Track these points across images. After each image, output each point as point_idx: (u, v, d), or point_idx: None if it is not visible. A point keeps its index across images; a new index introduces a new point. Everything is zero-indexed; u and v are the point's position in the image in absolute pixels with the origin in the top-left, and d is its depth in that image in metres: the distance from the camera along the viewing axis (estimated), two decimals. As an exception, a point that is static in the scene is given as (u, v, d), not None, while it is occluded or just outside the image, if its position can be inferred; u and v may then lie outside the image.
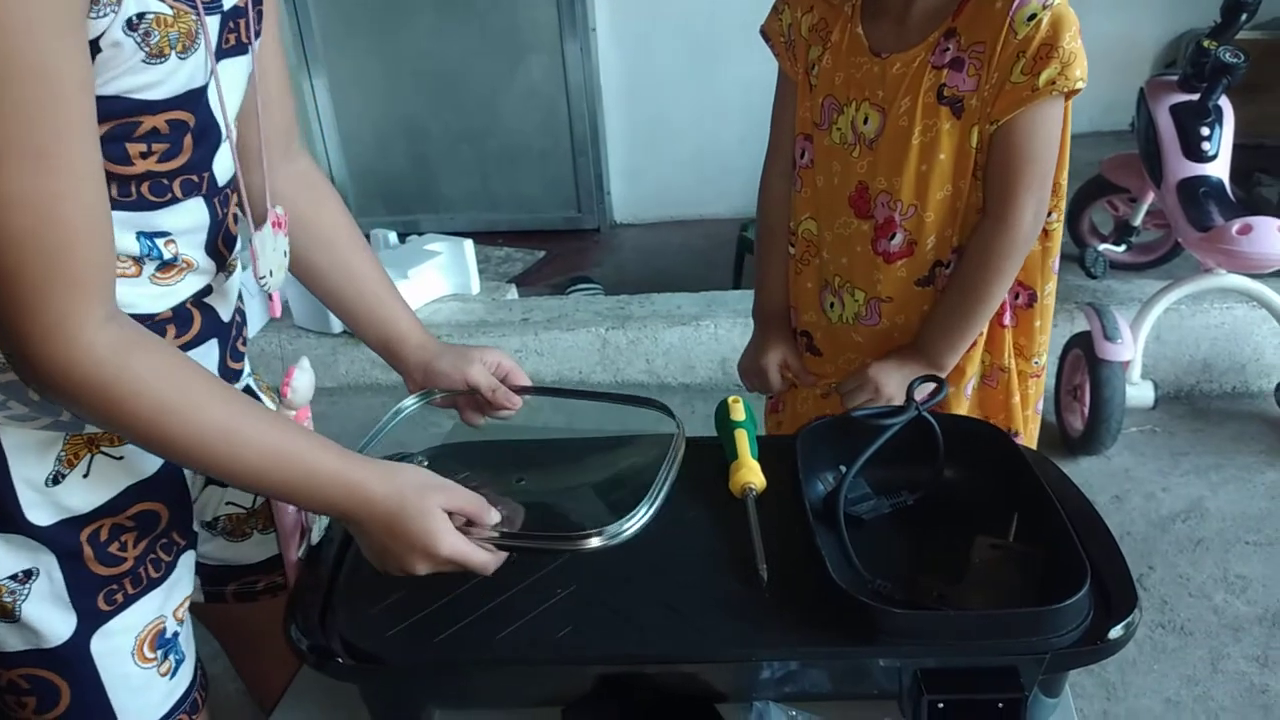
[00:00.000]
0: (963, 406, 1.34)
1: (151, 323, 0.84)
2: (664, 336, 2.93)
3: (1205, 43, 2.48)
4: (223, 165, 0.87)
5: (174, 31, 0.74)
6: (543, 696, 0.84)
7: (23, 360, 0.69)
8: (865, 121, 1.23)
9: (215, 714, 1.04)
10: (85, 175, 0.68)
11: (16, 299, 0.67)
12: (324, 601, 0.88)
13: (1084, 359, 2.44)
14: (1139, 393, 2.46)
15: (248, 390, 1.05)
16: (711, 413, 1.12)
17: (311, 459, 0.79)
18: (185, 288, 0.87)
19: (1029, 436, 1.39)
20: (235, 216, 0.92)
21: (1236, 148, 2.55)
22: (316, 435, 0.83)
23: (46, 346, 0.68)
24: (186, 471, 0.95)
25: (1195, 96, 2.53)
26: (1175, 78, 2.59)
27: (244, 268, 0.97)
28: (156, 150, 0.78)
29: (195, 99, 0.79)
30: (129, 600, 0.90)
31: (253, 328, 3.01)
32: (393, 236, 3.39)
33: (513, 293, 3.36)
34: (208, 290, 0.90)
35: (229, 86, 0.84)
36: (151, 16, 0.71)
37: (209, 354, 0.92)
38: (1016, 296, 1.31)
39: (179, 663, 0.96)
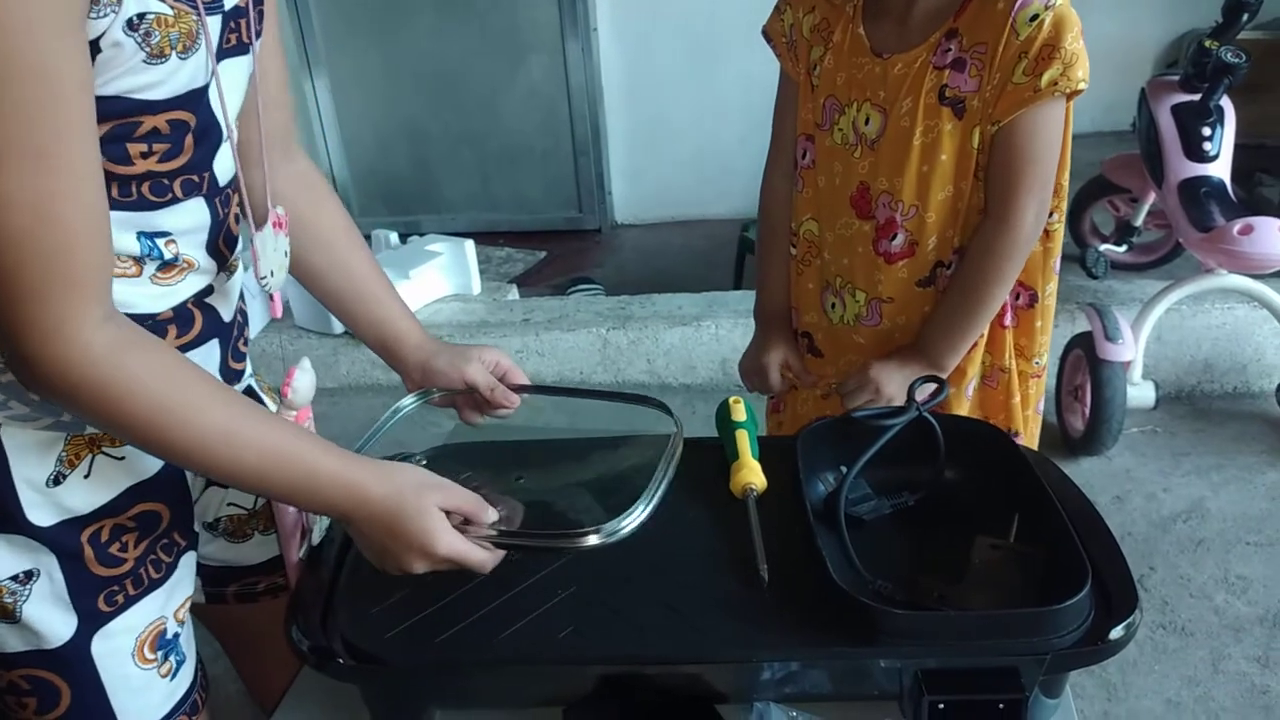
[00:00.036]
0: (963, 407, 1.34)
1: (152, 323, 0.84)
2: (665, 337, 2.93)
3: (1207, 43, 2.47)
4: (223, 165, 0.87)
5: (174, 32, 0.74)
6: (544, 697, 0.84)
7: (20, 360, 0.69)
8: (867, 122, 1.23)
9: (216, 715, 1.04)
10: (84, 176, 0.68)
11: (14, 299, 0.67)
12: (325, 602, 0.88)
13: (1085, 359, 2.43)
14: (1140, 393, 2.46)
15: (249, 391, 1.05)
16: (712, 413, 1.12)
17: (309, 459, 0.79)
18: (186, 288, 0.87)
19: (1029, 437, 1.39)
20: (237, 217, 0.92)
21: (1238, 148, 2.55)
22: (314, 435, 0.83)
23: (44, 347, 0.68)
24: (188, 472, 0.95)
25: (1197, 97, 2.52)
26: (1177, 78, 2.59)
27: (245, 268, 0.97)
28: (157, 150, 0.78)
29: (196, 99, 0.79)
30: (130, 601, 0.90)
31: (254, 328, 3.01)
32: (394, 237, 3.39)
33: (514, 293, 3.36)
34: (209, 290, 0.90)
35: (230, 86, 0.84)
36: (152, 17, 0.71)
37: (210, 354, 0.92)
38: (1017, 297, 1.31)
39: (180, 664, 0.96)
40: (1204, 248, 2.39)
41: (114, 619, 0.89)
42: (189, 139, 0.80)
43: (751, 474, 1.00)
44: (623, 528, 0.82)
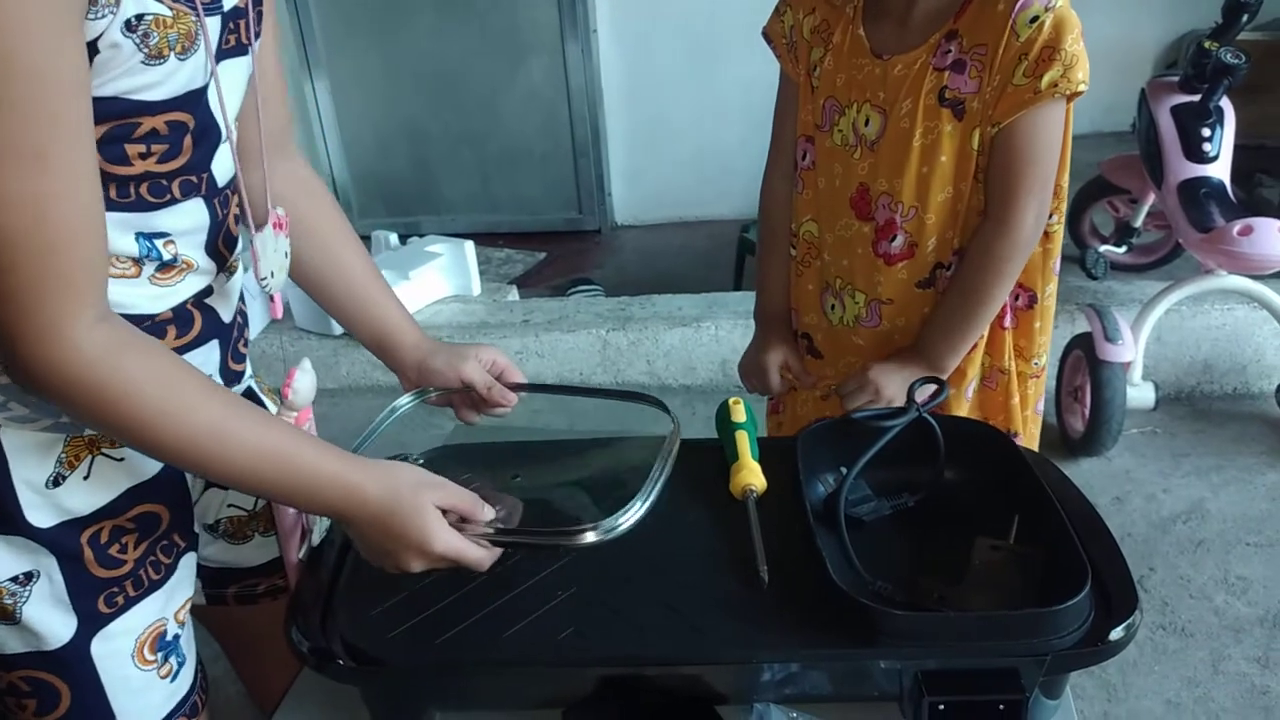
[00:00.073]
0: (963, 409, 1.34)
1: (152, 323, 0.84)
2: (665, 338, 2.93)
3: (1206, 44, 2.47)
4: (222, 166, 0.87)
5: (173, 33, 0.74)
6: (544, 698, 0.84)
7: (14, 360, 0.69)
8: (866, 123, 1.23)
9: (216, 716, 1.04)
10: (80, 176, 0.68)
11: (9, 299, 0.67)
12: (325, 603, 0.88)
13: (1085, 360, 2.43)
14: (1140, 394, 2.46)
15: (249, 392, 1.05)
16: (712, 414, 1.12)
17: (304, 459, 0.79)
18: (185, 288, 0.87)
19: (1028, 437, 1.39)
20: (236, 217, 0.92)
21: (1237, 149, 2.55)
22: (310, 436, 0.83)
23: (39, 347, 0.68)
24: (187, 474, 0.95)
25: (1196, 97, 2.52)
26: (1176, 79, 2.59)
27: (245, 269, 0.97)
28: (156, 151, 0.78)
29: (195, 100, 0.79)
30: (130, 602, 0.90)
31: (254, 329, 3.01)
32: (394, 238, 3.39)
33: (514, 294, 3.36)
34: (208, 291, 0.90)
35: (229, 87, 0.84)
36: (150, 18, 0.71)
37: (210, 355, 0.92)
38: (1016, 298, 1.31)
39: (180, 665, 0.96)
40: (1204, 248, 2.39)
41: (114, 620, 0.89)
42: (188, 140, 0.80)
43: (751, 475, 1.00)
44: (620, 524, 0.82)
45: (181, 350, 0.88)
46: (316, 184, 1.07)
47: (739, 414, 1.09)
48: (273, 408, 1.05)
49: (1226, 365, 2.73)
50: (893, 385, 1.26)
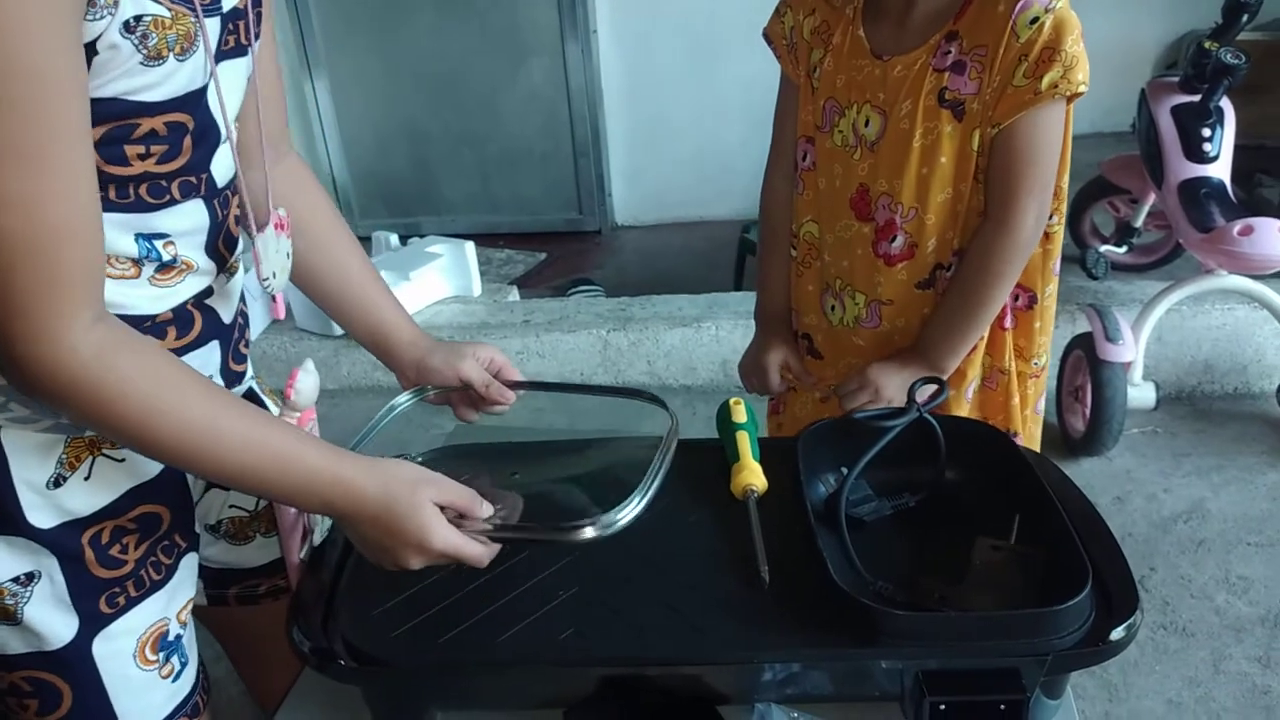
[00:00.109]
0: (963, 410, 1.34)
1: (152, 324, 0.84)
2: (665, 338, 2.93)
3: (1206, 44, 2.47)
4: (221, 167, 0.87)
5: (172, 34, 0.74)
6: (545, 698, 0.85)
7: (9, 361, 0.69)
8: (866, 124, 1.23)
9: (217, 717, 1.04)
10: (76, 177, 0.68)
11: (4, 299, 0.67)
12: (327, 604, 0.88)
13: (1085, 360, 2.43)
14: (1140, 394, 2.46)
15: (250, 393, 1.05)
16: (713, 414, 1.12)
17: (301, 457, 0.79)
18: (185, 289, 0.87)
19: (1028, 437, 1.39)
20: (237, 218, 0.92)
21: (1238, 149, 2.55)
22: (308, 434, 0.83)
23: (34, 347, 0.68)
24: (186, 473, 0.95)
25: (1196, 98, 2.52)
26: (1176, 79, 2.59)
27: (246, 269, 0.97)
28: (155, 152, 0.78)
29: (194, 101, 0.79)
30: (131, 603, 0.90)
31: (255, 330, 3.01)
32: (394, 239, 3.39)
33: (514, 295, 3.36)
34: (209, 292, 0.90)
35: (229, 88, 0.84)
36: (149, 19, 0.71)
37: (210, 356, 0.92)
38: (1016, 299, 1.31)
39: (182, 665, 0.96)
40: (1204, 248, 2.39)
41: (115, 621, 0.89)
42: (187, 141, 0.80)
43: (752, 475, 1.00)
44: (618, 520, 0.83)
45: (182, 351, 0.88)
46: (312, 183, 1.07)
47: (740, 414, 1.09)
48: (274, 409, 1.05)
49: (1227, 365, 2.73)
50: (892, 385, 1.26)
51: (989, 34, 1.13)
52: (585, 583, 0.89)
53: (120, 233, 0.79)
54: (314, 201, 1.06)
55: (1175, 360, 2.72)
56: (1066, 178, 1.24)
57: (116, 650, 0.90)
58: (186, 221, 0.84)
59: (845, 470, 0.99)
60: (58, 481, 0.84)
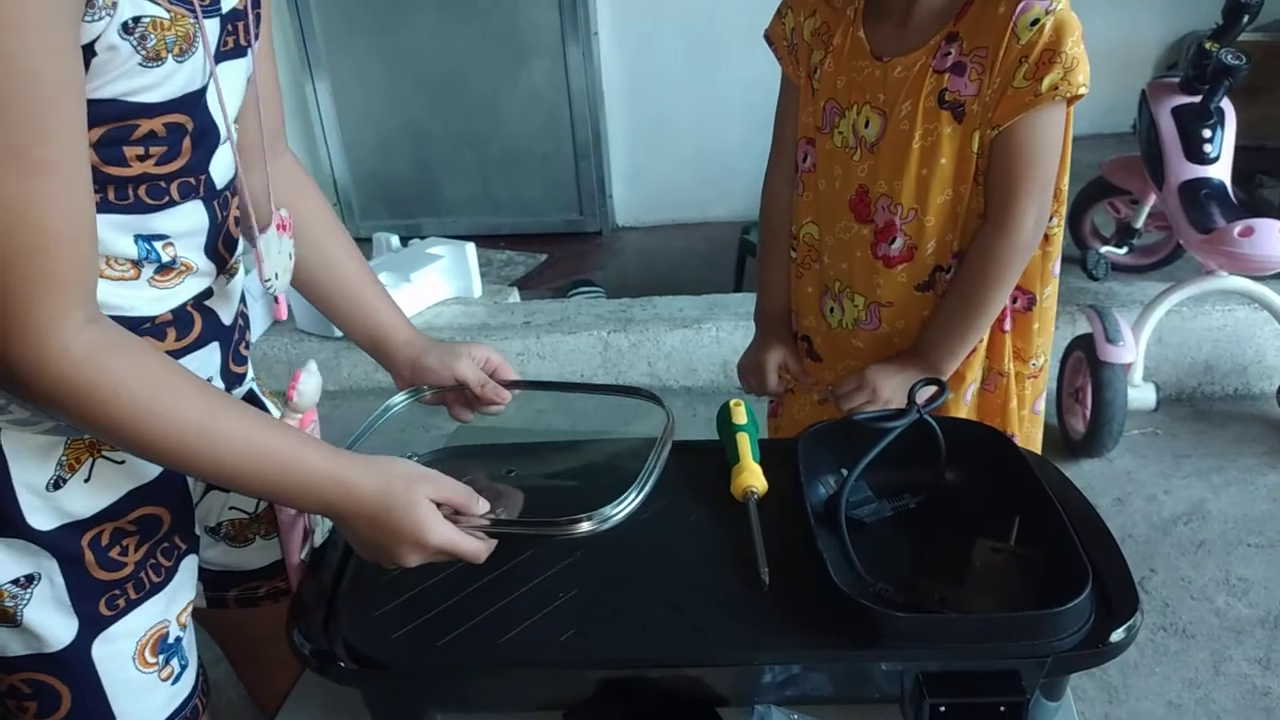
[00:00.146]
0: (962, 412, 1.34)
1: (151, 325, 0.84)
2: (666, 339, 2.93)
3: (1207, 45, 2.47)
4: (221, 168, 0.87)
5: (171, 35, 0.74)
6: (545, 700, 0.85)
7: (1, 362, 0.69)
8: (866, 125, 1.23)
9: (216, 719, 1.04)
10: (71, 178, 0.68)
11: None
12: (327, 606, 0.88)
13: (1086, 361, 2.43)
14: (1141, 395, 2.46)
15: (250, 395, 1.05)
16: (713, 416, 1.12)
17: (297, 456, 0.79)
18: (185, 290, 0.87)
19: (1025, 437, 1.38)
20: (236, 219, 0.92)
21: (1238, 150, 2.55)
22: (302, 433, 0.83)
23: (27, 348, 0.68)
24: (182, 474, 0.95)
25: (1197, 98, 2.52)
26: (1177, 80, 2.59)
27: (246, 271, 0.97)
28: (154, 153, 0.78)
29: (193, 102, 0.79)
30: (131, 605, 0.90)
31: (255, 332, 3.01)
32: (395, 240, 3.39)
33: (514, 296, 3.36)
34: (208, 293, 0.90)
35: (228, 89, 0.84)
36: (148, 20, 0.71)
37: (210, 357, 0.92)
38: (1015, 301, 1.31)
39: (182, 668, 0.96)
40: (1204, 249, 2.39)
41: (115, 623, 0.89)
42: (186, 142, 0.80)
43: (752, 477, 1.00)
44: (614, 515, 0.83)
45: (182, 352, 0.88)
46: (308, 183, 1.07)
47: (740, 416, 1.09)
48: (275, 410, 1.05)
49: (1227, 366, 2.73)
50: (890, 387, 1.26)
51: (989, 35, 1.13)
52: (585, 584, 0.89)
53: (119, 234, 0.79)
54: (310, 202, 1.06)
55: (1175, 361, 2.72)
56: (1066, 179, 1.24)
57: (116, 652, 0.90)
58: (186, 223, 0.84)
59: (845, 472, 0.99)
60: (57, 483, 0.84)
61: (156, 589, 0.92)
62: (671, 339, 2.92)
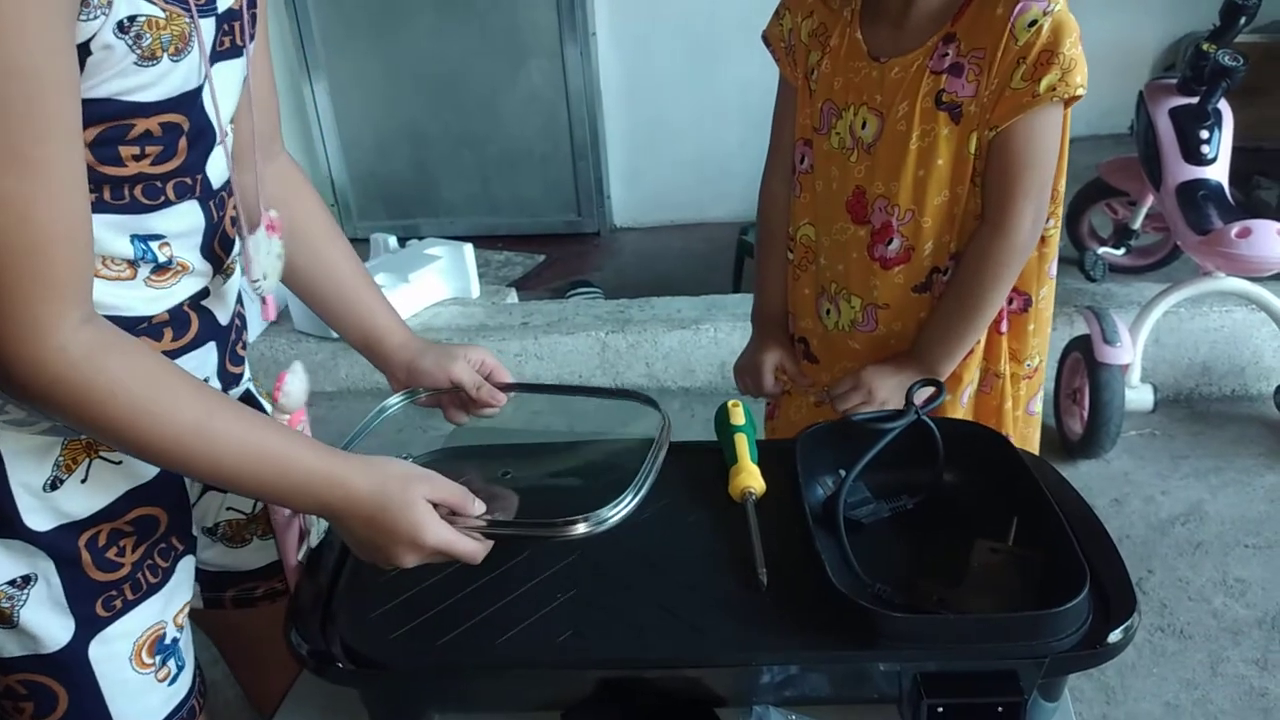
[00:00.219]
0: (959, 414, 1.33)
1: (148, 325, 0.84)
2: (664, 340, 2.93)
3: (1204, 46, 2.48)
4: (217, 168, 0.87)
5: (166, 34, 0.73)
6: (543, 700, 0.84)
7: None
8: (863, 126, 1.23)
9: None
10: (66, 178, 0.68)
11: None
12: (324, 606, 0.88)
13: (1083, 362, 2.44)
14: (1138, 396, 2.46)
15: (247, 395, 1.05)
16: (711, 417, 1.12)
17: (293, 456, 0.78)
18: (181, 290, 0.87)
19: (1020, 438, 1.38)
20: (233, 220, 0.92)
21: (1236, 151, 2.55)
22: (300, 435, 0.83)
23: (22, 347, 0.68)
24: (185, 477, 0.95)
25: (1194, 100, 2.53)
26: (1174, 81, 2.59)
27: (243, 271, 0.97)
28: (150, 153, 0.78)
29: (189, 102, 0.79)
30: (128, 606, 0.90)
31: (252, 332, 3.01)
32: (393, 241, 3.39)
33: (513, 296, 3.36)
34: (205, 293, 0.90)
35: (224, 89, 0.84)
36: (143, 19, 0.71)
37: (207, 357, 0.92)
38: (1010, 302, 1.30)
39: (179, 668, 0.96)
40: (1202, 251, 2.39)
41: (112, 624, 0.89)
42: (182, 141, 0.80)
43: (750, 478, 1.00)
44: (610, 517, 0.83)
45: (178, 352, 0.88)
46: (305, 185, 1.07)
47: (738, 417, 1.09)
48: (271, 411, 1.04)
49: (1225, 367, 2.73)
50: (886, 388, 1.26)
51: (987, 36, 1.13)
52: (583, 585, 0.89)
53: (115, 234, 0.79)
54: (307, 204, 1.06)
55: (1173, 362, 2.73)
56: (1063, 181, 1.24)
57: (113, 653, 0.89)
58: (182, 223, 0.84)
59: (843, 472, 0.99)
60: (54, 484, 0.84)
61: (153, 590, 0.92)
62: (669, 340, 2.92)
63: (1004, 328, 1.31)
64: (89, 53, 0.69)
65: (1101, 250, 3.07)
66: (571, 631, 0.84)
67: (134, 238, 0.80)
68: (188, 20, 0.76)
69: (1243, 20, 2.47)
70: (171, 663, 0.95)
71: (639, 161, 4.34)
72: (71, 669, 0.88)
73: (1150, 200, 2.80)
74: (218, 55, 0.82)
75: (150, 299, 0.84)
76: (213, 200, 0.87)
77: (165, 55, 0.74)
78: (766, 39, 1.36)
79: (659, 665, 0.82)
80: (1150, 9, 4.17)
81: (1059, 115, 1.16)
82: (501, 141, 4.32)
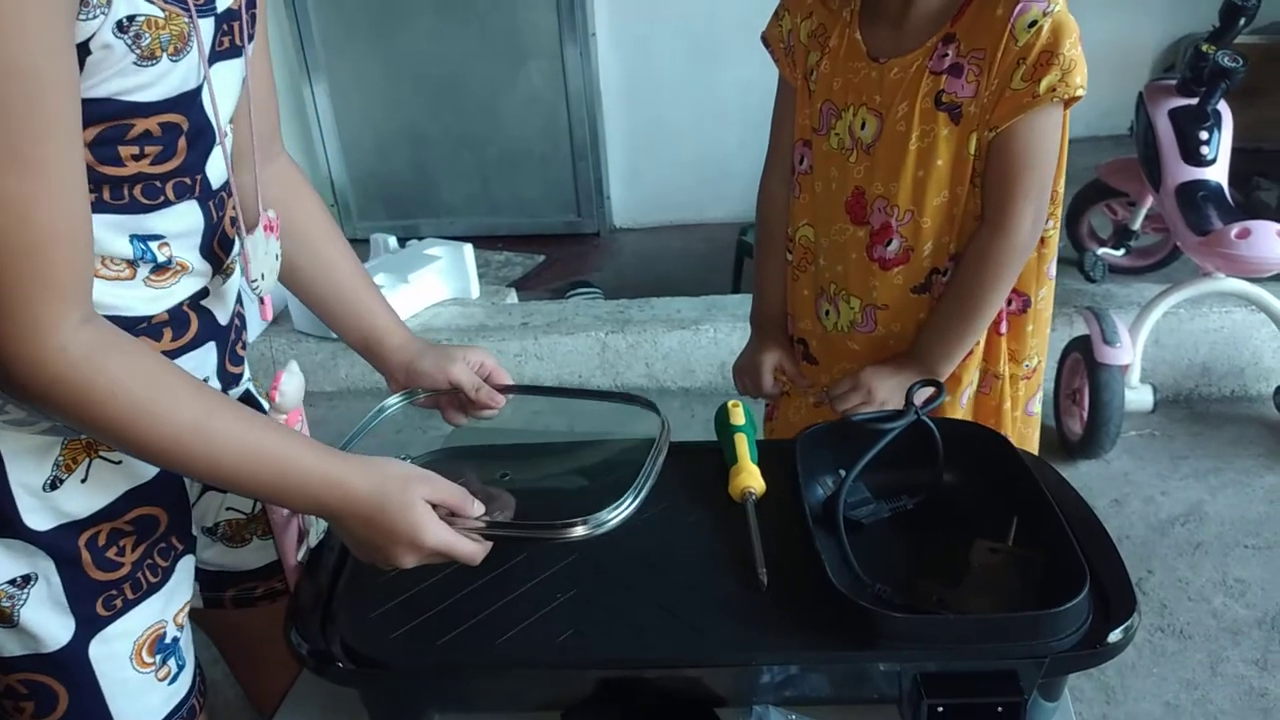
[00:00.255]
0: (958, 415, 1.33)
1: (147, 325, 0.84)
2: (663, 340, 2.93)
3: (1204, 47, 2.48)
4: (216, 168, 0.87)
5: (165, 34, 0.73)
6: (543, 700, 0.84)
7: None
8: (863, 126, 1.23)
9: (214, 719, 1.04)
10: (65, 178, 0.68)
11: None
12: (325, 606, 0.88)
13: (1083, 363, 2.44)
14: (1138, 396, 2.46)
15: (247, 395, 1.05)
16: (711, 417, 1.12)
17: (292, 457, 0.78)
18: (181, 290, 0.87)
19: (1019, 438, 1.37)
20: (233, 220, 0.92)
21: (1235, 151, 2.55)
22: (298, 434, 0.83)
23: (22, 347, 0.68)
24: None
25: (1194, 101, 2.53)
26: (1174, 82, 2.59)
27: (242, 271, 0.97)
28: (149, 153, 0.78)
29: (188, 101, 0.79)
30: (128, 605, 0.90)
31: (252, 332, 3.01)
32: (393, 241, 3.39)
33: (512, 297, 3.36)
34: (204, 293, 0.90)
35: (222, 89, 0.84)
36: (142, 19, 0.71)
37: (207, 357, 0.92)
38: (1010, 303, 1.30)
39: (179, 668, 0.96)
40: (1201, 251, 2.39)
41: (112, 623, 0.89)
42: (182, 141, 0.80)
43: (750, 478, 1.00)
44: (609, 520, 0.83)
45: (178, 352, 0.88)
46: (304, 185, 1.07)
47: (738, 417, 1.09)
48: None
49: (1224, 368, 2.73)
50: (885, 389, 1.26)
51: (987, 37, 1.13)
52: (584, 584, 0.89)
53: (114, 234, 0.79)
54: (306, 204, 1.06)
55: (1173, 363, 2.73)
56: (1063, 181, 1.24)
57: (113, 653, 0.90)
58: (181, 223, 0.84)
59: (843, 473, 0.99)
60: (54, 484, 0.84)
61: (153, 589, 0.92)
62: (669, 340, 2.93)
63: (1003, 328, 1.31)
64: (88, 52, 0.69)
65: (1101, 251, 3.07)
66: (571, 631, 0.84)
67: (133, 238, 0.80)
68: (186, 20, 0.76)
69: (1242, 21, 2.47)
70: (172, 662, 0.95)
71: (639, 162, 4.34)
72: (72, 668, 0.88)
73: (1150, 201, 2.80)
74: (217, 55, 0.82)
75: (150, 299, 0.84)
76: (212, 200, 0.87)
77: (164, 55, 0.74)
78: (766, 40, 1.36)
79: (659, 665, 0.82)
80: (1150, 10, 4.18)
81: (1059, 116, 1.16)
82: (501, 142, 4.32)
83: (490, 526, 0.85)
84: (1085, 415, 2.44)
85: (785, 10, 1.33)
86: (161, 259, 0.83)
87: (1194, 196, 2.46)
